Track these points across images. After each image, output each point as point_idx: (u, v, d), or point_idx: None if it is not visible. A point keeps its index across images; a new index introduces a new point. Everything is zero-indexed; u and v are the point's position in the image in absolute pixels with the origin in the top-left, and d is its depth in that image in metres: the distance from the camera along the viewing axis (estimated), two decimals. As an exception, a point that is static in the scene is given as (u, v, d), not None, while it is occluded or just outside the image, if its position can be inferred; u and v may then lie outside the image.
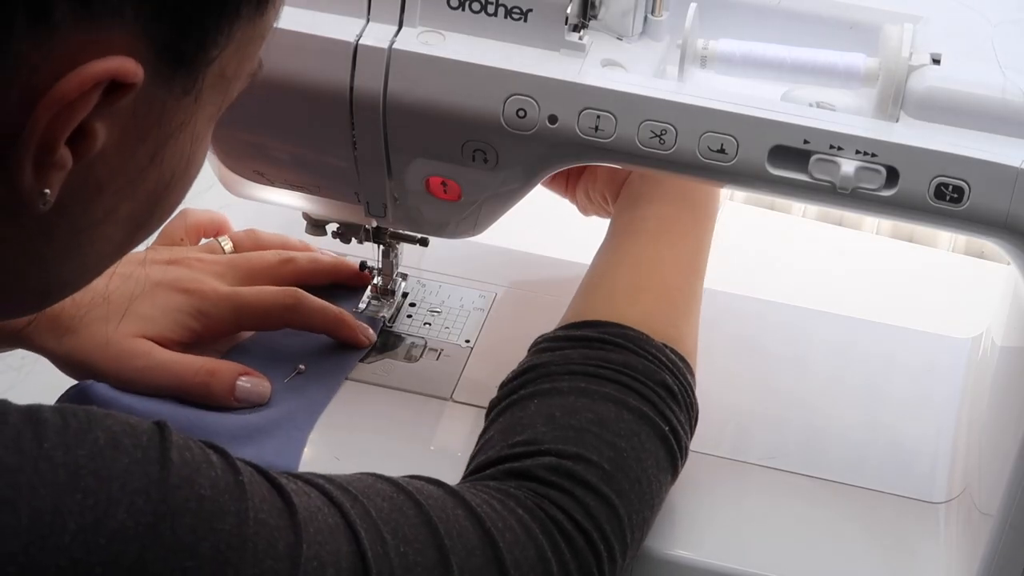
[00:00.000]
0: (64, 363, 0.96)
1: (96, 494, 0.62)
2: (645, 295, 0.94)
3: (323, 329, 1.01)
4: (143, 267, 0.97)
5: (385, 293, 1.05)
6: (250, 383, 0.97)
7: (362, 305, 1.05)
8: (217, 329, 0.99)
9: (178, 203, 0.70)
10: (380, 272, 1.04)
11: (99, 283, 0.93)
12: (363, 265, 1.05)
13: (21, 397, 0.65)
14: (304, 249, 1.06)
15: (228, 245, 1.04)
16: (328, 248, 1.07)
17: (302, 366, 0.99)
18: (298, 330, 1.01)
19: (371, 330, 1.02)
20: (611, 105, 0.84)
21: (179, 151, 0.67)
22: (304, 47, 0.86)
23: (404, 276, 1.07)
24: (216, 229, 1.05)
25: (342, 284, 1.05)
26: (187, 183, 0.70)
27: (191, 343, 0.98)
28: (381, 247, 1.02)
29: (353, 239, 1.01)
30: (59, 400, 0.95)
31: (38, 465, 0.61)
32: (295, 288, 1.00)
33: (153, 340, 0.96)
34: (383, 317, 1.04)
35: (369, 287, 1.05)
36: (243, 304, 0.98)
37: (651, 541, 0.92)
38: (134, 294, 0.96)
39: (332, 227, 1.01)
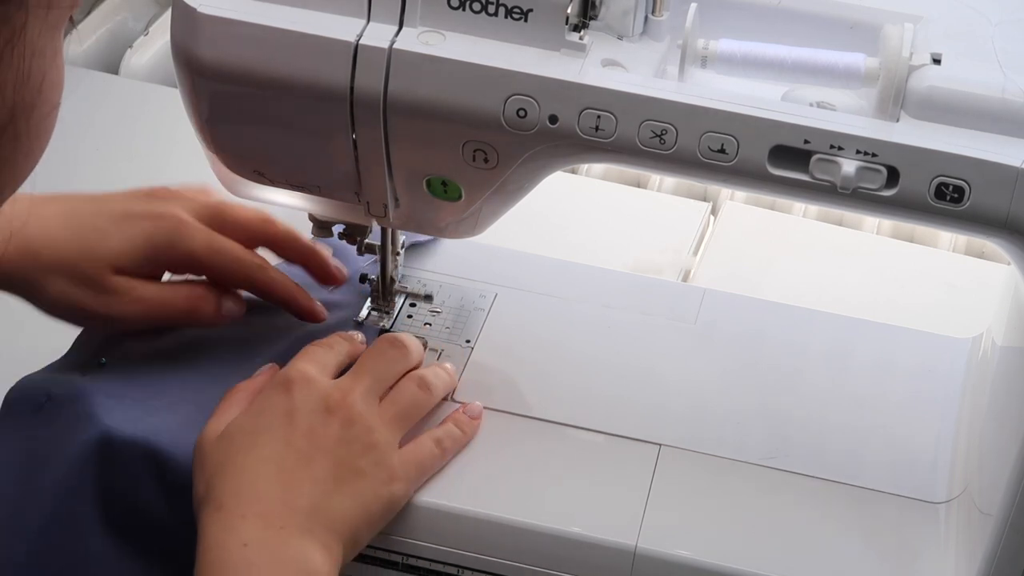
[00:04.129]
0: (50, 307, 0.97)
1: None
2: None
3: (282, 297, 1.01)
4: (115, 203, 0.98)
5: (385, 304, 1.05)
6: (232, 302, 1.00)
7: (363, 314, 1.04)
8: (183, 263, 0.99)
9: (39, 134, 0.66)
10: (381, 284, 1.04)
11: (72, 223, 0.94)
12: (363, 277, 1.05)
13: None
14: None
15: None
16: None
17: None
18: (258, 294, 1.01)
19: (325, 311, 1.02)
20: (612, 105, 0.84)
21: (15, 70, 0.62)
22: (304, 47, 0.86)
23: (404, 288, 1.06)
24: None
25: (312, 271, 1.04)
26: (42, 108, 0.65)
27: (158, 275, 0.99)
28: (380, 257, 1.02)
29: (354, 249, 1.01)
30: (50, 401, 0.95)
31: None
32: (264, 257, 1.01)
33: (127, 273, 0.96)
34: (382, 327, 1.04)
35: (369, 298, 1.05)
36: (215, 244, 0.98)
37: (651, 541, 0.92)
38: (105, 226, 0.96)
39: (338, 228, 1.00)
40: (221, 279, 1.00)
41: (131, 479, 0.92)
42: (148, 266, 0.98)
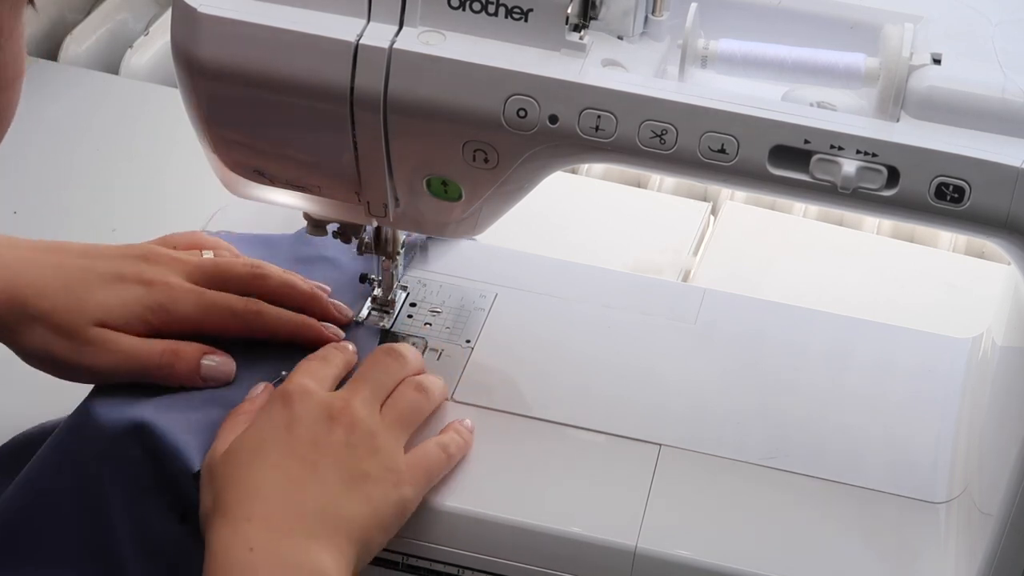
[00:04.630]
0: (28, 355, 0.97)
1: None
2: None
3: (288, 335, 1.00)
4: (107, 261, 0.98)
5: (385, 304, 1.05)
6: (215, 361, 0.98)
7: (363, 314, 1.04)
8: (175, 326, 0.98)
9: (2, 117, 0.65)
10: (380, 284, 1.04)
11: (62, 275, 0.95)
12: (364, 277, 1.05)
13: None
14: (286, 272, 1.03)
15: (208, 255, 1.03)
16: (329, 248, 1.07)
17: (284, 372, 0.98)
18: (262, 337, 1.00)
19: (340, 331, 1.02)
20: (612, 105, 0.84)
21: None
22: (304, 47, 0.86)
23: (404, 287, 1.07)
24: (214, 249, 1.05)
25: (314, 316, 1.02)
26: (4, 87, 0.66)
27: (148, 335, 0.97)
28: (382, 258, 1.02)
29: (354, 249, 1.01)
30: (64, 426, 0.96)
31: None
32: (258, 300, 1.00)
33: (112, 330, 0.96)
34: (382, 327, 1.04)
35: (369, 298, 1.05)
36: (206, 303, 0.98)
37: (651, 541, 0.92)
38: (95, 284, 0.96)
39: (332, 227, 1.00)
40: (222, 334, 0.99)
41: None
42: (137, 327, 0.97)
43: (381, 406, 0.94)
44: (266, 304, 1.00)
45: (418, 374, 0.98)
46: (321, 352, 0.98)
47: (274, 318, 1.00)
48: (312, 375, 0.95)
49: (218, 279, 1.00)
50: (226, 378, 0.98)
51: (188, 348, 0.97)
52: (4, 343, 0.97)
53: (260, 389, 0.97)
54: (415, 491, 0.92)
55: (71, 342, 0.95)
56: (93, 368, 0.96)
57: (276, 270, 1.02)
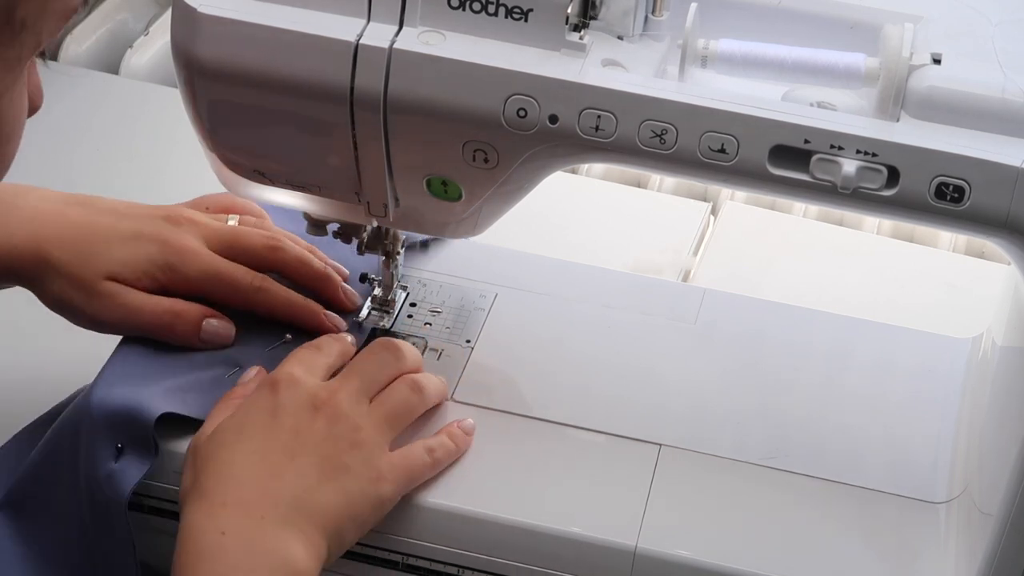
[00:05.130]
0: (48, 302, 1.00)
1: None
2: None
3: (287, 317, 1.01)
4: (131, 219, 1.00)
5: (385, 304, 1.05)
6: (215, 323, 0.99)
7: (363, 314, 1.04)
8: (181, 286, 1.00)
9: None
10: (381, 283, 1.04)
11: (86, 230, 0.97)
12: (364, 277, 1.05)
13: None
14: (307, 247, 1.04)
15: (233, 222, 1.04)
16: (329, 248, 1.06)
17: (288, 336, 0.99)
18: (263, 313, 1.01)
19: (342, 322, 1.02)
20: (612, 105, 0.84)
21: None
22: (304, 47, 0.86)
23: (405, 287, 1.06)
24: (245, 213, 1.06)
25: (323, 296, 1.03)
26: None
27: (156, 291, 0.99)
28: (382, 257, 1.02)
29: (354, 249, 1.01)
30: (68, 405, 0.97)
31: None
32: (265, 276, 1.01)
33: (122, 284, 0.99)
34: (382, 327, 1.04)
35: (369, 298, 1.05)
36: (211, 270, 1.00)
37: (651, 541, 0.92)
38: (113, 240, 0.99)
39: (333, 227, 1.00)
40: (224, 303, 1.01)
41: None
42: (146, 283, 0.99)
43: (372, 400, 0.94)
44: (272, 282, 1.01)
45: (415, 372, 0.98)
46: (317, 341, 0.98)
47: (276, 297, 1.01)
48: (303, 363, 0.95)
49: (235, 248, 1.01)
50: (225, 341, 1.00)
51: (190, 308, 0.99)
52: (29, 289, 1.00)
53: (252, 374, 0.97)
54: (394, 490, 0.92)
55: (83, 293, 0.98)
56: (100, 319, 0.99)
57: (293, 246, 1.03)
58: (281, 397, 0.92)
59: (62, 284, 0.99)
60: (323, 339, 0.99)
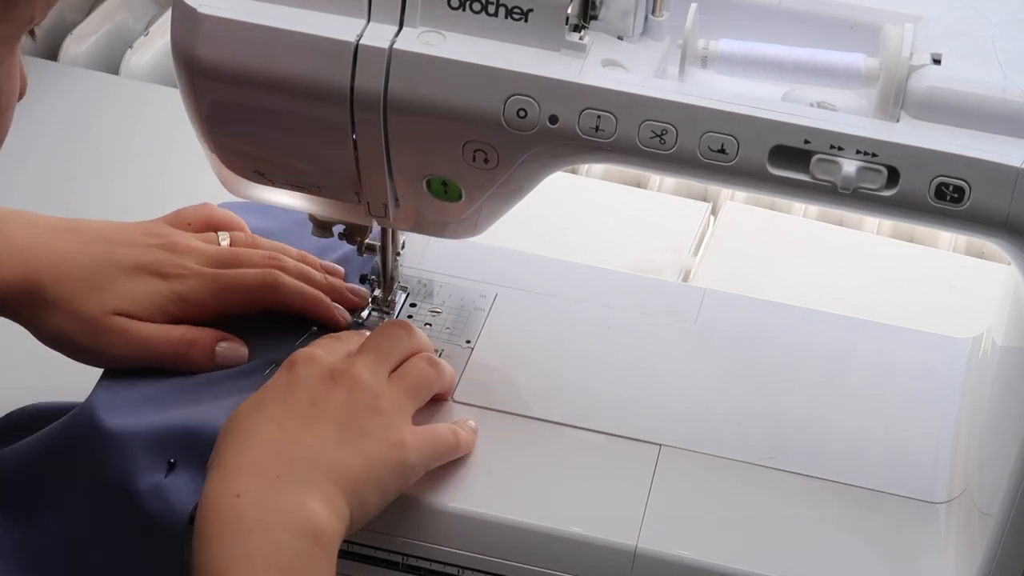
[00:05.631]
0: (45, 338, 0.98)
1: None
2: None
3: (301, 308, 1.01)
4: (125, 248, 0.99)
5: (386, 304, 1.05)
6: (228, 347, 0.99)
7: (363, 314, 1.04)
8: (196, 312, 0.99)
9: None
10: (381, 283, 1.04)
11: (81, 262, 0.96)
12: (364, 278, 1.05)
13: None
14: (301, 258, 1.04)
15: (225, 242, 1.04)
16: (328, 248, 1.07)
17: (314, 327, 1.00)
18: (277, 310, 1.01)
19: (347, 312, 1.03)
20: (612, 105, 0.84)
21: None
22: (304, 47, 0.86)
23: (405, 287, 1.07)
24: (228, 228, 1.05)
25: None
26: None
27: (162, 320, 0.99)
28: (382, 258, 1.02)
29: (354, 249, 1.01)
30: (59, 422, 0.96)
31: None
32: (273, 270, 1.01)
33: (131, 318, 0.97)
34: None
35: (370, 298, 1.05)
36: (222, 285, 0.99)
37: (651, 541, 0.92)
38: (115, 274, 0.97)
39: (339, 228, 1.00)
40: (239, 311, 1.00)
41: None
42: (159, 318, 0.98)
43: (389, 375, 0.94)
44: (282, 276, 1.01)
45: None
46: (338, 333, 0.99)
47: (289, 290, 1.00)
48: (322, 346, 0.95)
49: (236, 267, 1.01)
50: (239, 361, 0.99)
51: (203, 336, 0.99)
52: (21, 324, 0.98)
53: None
54: (418, 459, 0.91)
55: (88, 328, 0.97)
56: (109, 355, 0.98)
57: (292, 260, 1.03)
58: (298, 372, 0.91)
59: (61, 320, 0.97)
60: (344, 332, 0.99)
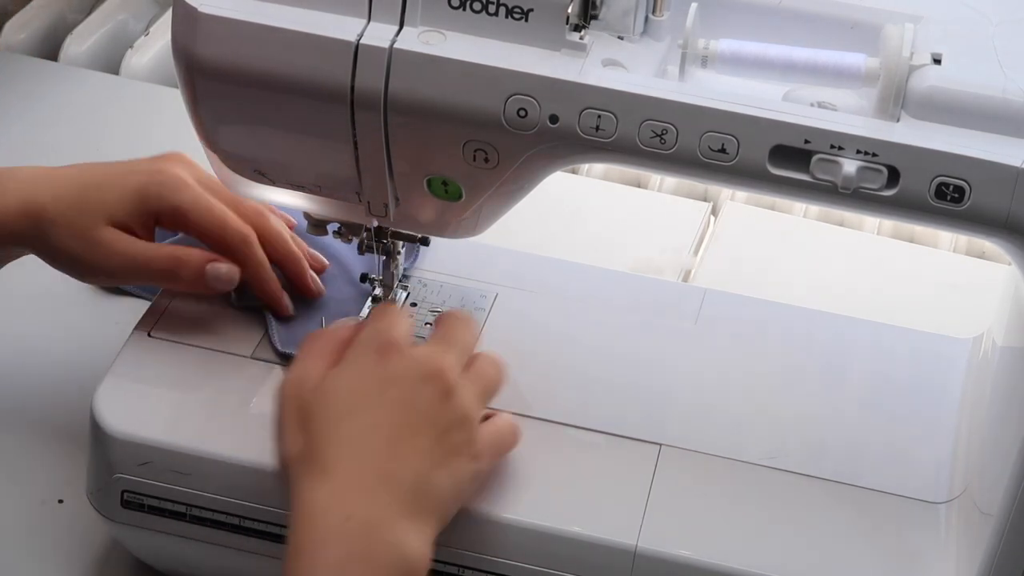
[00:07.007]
0: (52, 258, 1.00)
1: None
2: None
3: (276, 258, 1.02)
4: (127, 163, 1.01)
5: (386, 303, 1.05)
6: (220, 267, 0.99)
7: (364, 313, 1.04)
8: (171, 218, 1.00)
9: None
10: (381, 283, 1.04)
11: (81, 179, 0.98)
12: (364, 277, 1.05)
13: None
14: (303, 249, 1.05)
15: None
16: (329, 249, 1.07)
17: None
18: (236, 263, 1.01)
19: (320, 284, 1.04)
20: (612, 105, 0.84)
21: None
22: (305, 47, 0.86)
23: (405, 287, 1.07)
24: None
25: (289, 276, 1.04)
26: None
27: (150, 228, 1.00)
28: (382, 258, 1.02)
29: (355, 248, 1.01)
30: None
31: None
32: (252, 231, 1.01)
33: (119, 227, 0.99)
34: None
35: (370, 298, 1.05)
36: (203, 204, 1.00)
37: (652, 541, 0.92)
38: (111, 185, 0.99)
39: (333, 226, 1.00)
40: (205, 241, 1.01)
41: None
42: (138, 217, 0.99)
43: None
44: (257, 243, 1.01)
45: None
46: (388, 304, 0.99)
47: (255, 255, 1.01)
48: (396, 325, 0.92)
49: (222, 195, 1.01)
50: (231, 284, 1.00)
51: (193, 254, 0.99)
52: (29, 249, 1.01)
53: (349, 321, 0.97)
54: (489, 466, 0.92)
55: (83, 242, 0.98)
56: (103, 268, 0.99)
57: (277, 221, 1.03)
58: (391, 366, 0.90)
59: (60, 236, 0.98)
60: (385, 305, 1.00)
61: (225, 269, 1.00)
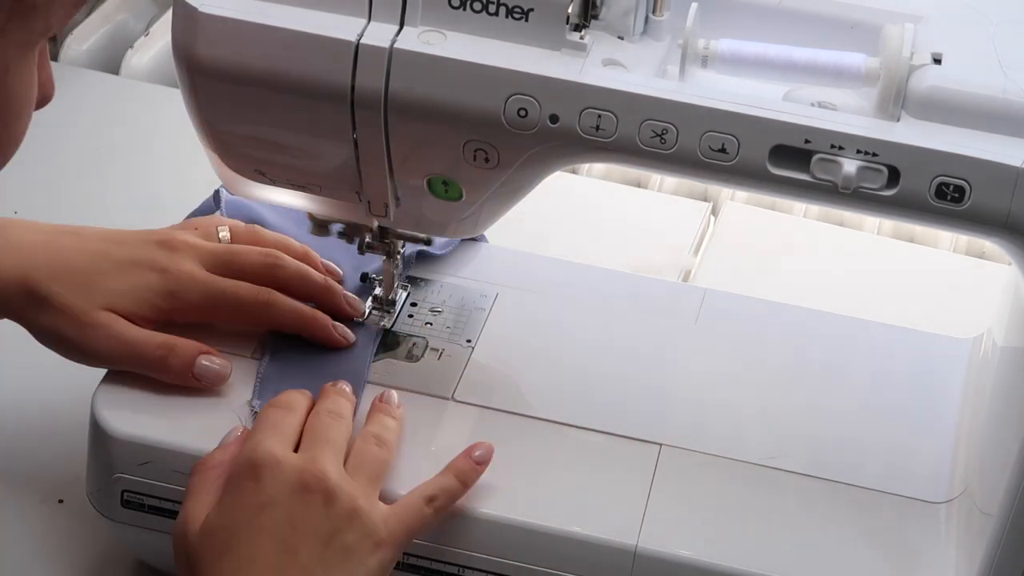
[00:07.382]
0: (40, 335, 0.98)
1: None
2: None
3: (295, 328, 1.00)
4: (123, 246, 0.99)
5: (386, 304, 1.05)
6: (211, 362, 0.97)
7: (364, 313, 1.04)
8: (186, 312, 0.99)
9: (5, 145, 0.69)
10: (382, 283, 1.04)
11: (78, 259, 0.96)
12: (364, 276, 1.05)
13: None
14: (304, 254, 1.04)
15: (225, 234, 1.03)
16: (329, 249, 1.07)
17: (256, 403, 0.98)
18: (271, 328, 1.00)
19: (349, 331, 1.01)
20: (612, 105, 0.84)
21: None
22: (305, 46, 0.86)
23: (406, 287, 1.07)
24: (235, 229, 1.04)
25: (325, 308, 1.02)
26: (9, 120, 0.69)
27: (159, 322, 0.98)
28: (383, 257, 1.02)
29: (356, 248, 1.01)
30: None
31: None
32: (270, 289, 1.00)
33: (121, 315, 0.97)
34: (383, 327, 1.04)
35: (371, 297, 1.05)
36: (215, 292, 0.99)
37: (651, 541, 0.92)
38: (108, 269, 0.97)
39: (337, 227, 1.00)
40: (231, 324, 1.00)
41: None
42: (147, 313, 0.98)
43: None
44: (278, 295, 1.00)
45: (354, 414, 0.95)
46: (286, 398, 0.94)
47: (284, 311, 1.00)
48: (277, 431, 0.90)
49: (233, 267, 1.00)
50: (220, 381, 0.97)
51: (186, 344, 0.97)
52: (19, 323, 0.98)
53: (237, 433, 0.93)
54: (393, 553, 0.89)
55: (77, 324, 0.96)
56: (95, 352, 0.97)
57: (291, 260, 1.02)
58: (267, 486, 0.87)
59: (53, 316, 0.96)
60: (291, 395, 0.94)
61: (217, 364, 0.97)
